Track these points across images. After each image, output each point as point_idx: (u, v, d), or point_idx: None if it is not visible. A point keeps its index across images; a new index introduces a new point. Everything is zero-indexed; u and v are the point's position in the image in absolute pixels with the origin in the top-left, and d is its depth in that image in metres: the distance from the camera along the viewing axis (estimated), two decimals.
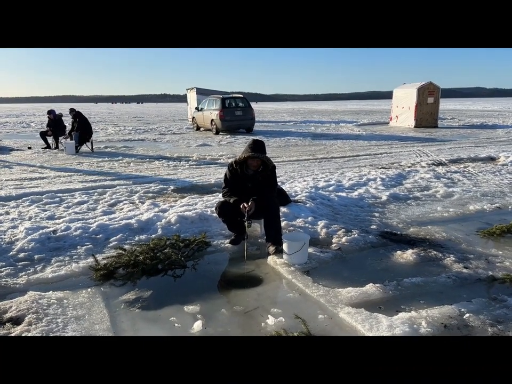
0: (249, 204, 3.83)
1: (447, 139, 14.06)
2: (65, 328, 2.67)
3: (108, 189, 6.57)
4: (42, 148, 12.21)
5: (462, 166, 8.52)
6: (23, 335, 2.61)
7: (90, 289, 3.26)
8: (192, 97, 22.98)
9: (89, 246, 4.07)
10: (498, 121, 21.86)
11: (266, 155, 4.02)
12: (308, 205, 5.35)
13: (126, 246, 4.00)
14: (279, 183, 6.42)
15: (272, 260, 3.78)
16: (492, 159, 9.34)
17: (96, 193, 6.29)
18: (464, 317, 2.74)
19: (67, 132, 12.27)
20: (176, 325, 2.75)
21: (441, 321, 2.69)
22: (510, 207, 5.44)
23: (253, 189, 3.98)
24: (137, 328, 2.73)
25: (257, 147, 3.94)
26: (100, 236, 4.30)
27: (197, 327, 2.68)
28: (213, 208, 4.62)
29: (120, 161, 9.89)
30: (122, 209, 5.43)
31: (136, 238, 4.25)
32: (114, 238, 4.24)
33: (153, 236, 4.28)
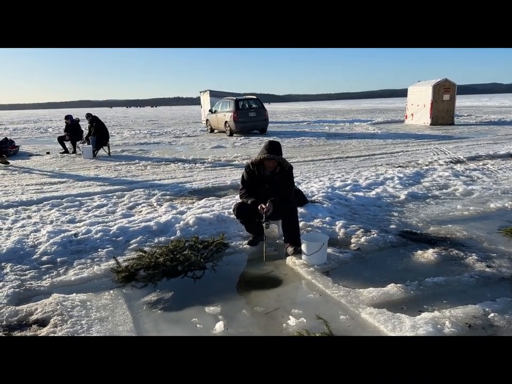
0: (267, 205, 3.83)
1: (464, 136, 13.84)
2: (90, 330, 2.71)
3: (126, 192, 6.64)
4: (60, 153, 12.43)
5: (481, 163, 8.38)
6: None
7: (113, 291, 3.31)
8: (205, 99, 23.14)
9: (110, 248, 4.13)
10: None
11: (283, 156, 4.02)
12: (325, 205, 5.33)
13: (146, 248, 4.04)
14: (295, 184, 6.42)
15: (291, 260, 3.78)
16: (511, 156, 9.16)
17: (115, 197, 6.37)
18: (489, 316, 2.70)
19: (84, 136, 12.47)
20: (198, 325, 2.77)
21: (466, 321, 2.65)
22: None
23: (270, 190, 3.99)
24: (160, 329, 2.76)
25: (273, 148, 3.95)
26: (120, 238, 4.35)
27: (219, 328, 2.70)
28: (230, 210, 4.65)
29: (137, 164, 9.99)
30: (141, 211, 5.50)
31: (156, 240, 4.29)
32: (134, 240, 4.29)
33: (172, 237, 4.32)
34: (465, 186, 6.28)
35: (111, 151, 12.19)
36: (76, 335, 2.65)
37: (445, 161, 8.75)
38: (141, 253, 3.85)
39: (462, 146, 11.22)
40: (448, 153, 10.04)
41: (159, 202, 5.93)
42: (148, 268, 3.59)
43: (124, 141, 16.21)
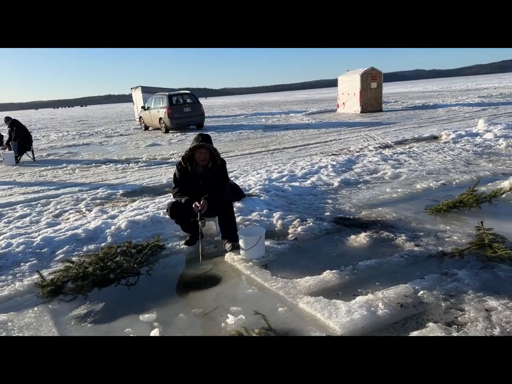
0: (201, 202, 3.73)
1: (391, 122, 14.56)
2: None
3: (52, 199, 6.22)
4: None
5: (407, 146, 8.84)
6: None
7: (37, 308, 3.07)
8: (137, 96, 22.38)
9: (34, 261, 3.83)
10: (439, 101, 22.95)
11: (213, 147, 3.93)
12: (262, 198, 5.33)
13: (74, 258, 3.79)
14: (232, 178, 6.35)
15: (229, 257, 3.72)
16: (434, 138, 9.77)
17: (39, 205, 5.94)
18: (419, 294, 2.81)
19: (4, 142, 11.56)
20: (131, 336, 2.62)
21: (398, 301, 2.75)
22: (454, 183, 5.68)
23: (204, 186, 3.89)
24: None
25: (203, 139, 3.86)
26: (45, 249, 4.05)
27: (154, 336, 2.57)
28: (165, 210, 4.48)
29: (65, 168, 9.44)
30: (68, 219, 5.15)
31: (85, 249, 4.04)
32: (61, 250, 4.01)
33: (102, 244, 4.09)
34: (393, 170, 6.58)
35: (35, 155, 11.43)
36: None
37: (374, 147, 9.13)
38: (68, 264, 3.59)
39: (390, 132, 11.78)
40: (377, 139, 10.49)
41: (88, 208, 5.60)
42: (76, 279, 3.36)
43: (50, 144, 15.24)
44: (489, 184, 5.35)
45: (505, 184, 5.10)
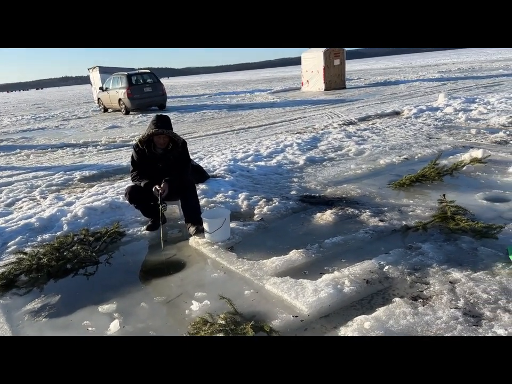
0: (162, 185, 3.57)
1: (355, 99, 14.64)
2: None
3: (3, 187, 5.88)
4: None
5: (370, 123, 8.90)
6: None
7: None
8: (95, 77, 21.52)
9: None
10: (400, 77, 23.26)
11: (173, 131, 3.74)
12: (227, 179, 5.21)
13: (27, 249, 3.55)
14: (196, 160, 6.18)
15: (194, 240, 3.60)
16: (397, 113, 9.88)
17: None
18: (384, 269, 2.81)
19: None
20: (90, 329, 2.48)
21: (363, 277, 2.74)
22: (416, 157, 5.75)
23: (164, 169, 3.71)
24: None
25: (162, 123, 3.65)
26: None
27: (113, 327, 2.44)
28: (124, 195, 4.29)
29: (18, 154, 8.93)
30: (21, 208, 4.86)
31: (39, 239, 3.80)
32: (13, 241, 3.76)
33: (58, 233, 3.86)
34: (357, 146, 6.59)
35: None
36: None
37: (338, 124, 9.13)
38: (21, 255, 3.37)
39: (353, 108, 11.83)
40: (341, 116, 10.51)
41: (43, 195, 5.30)
42: (29, 272, 3.16)
43: (3, 130, 14.39)
44: (450, 157, 5.45)
45: (465, 156, 5.20)
